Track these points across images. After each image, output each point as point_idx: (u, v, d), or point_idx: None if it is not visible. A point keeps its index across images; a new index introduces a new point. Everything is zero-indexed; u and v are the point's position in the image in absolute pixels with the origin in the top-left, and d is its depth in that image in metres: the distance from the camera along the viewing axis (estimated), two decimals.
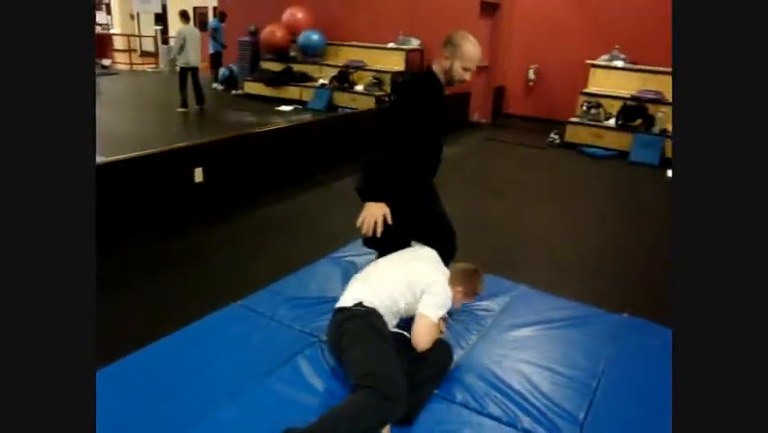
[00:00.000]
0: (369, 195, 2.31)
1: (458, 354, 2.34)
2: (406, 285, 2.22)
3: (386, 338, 2.04)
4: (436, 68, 2.43)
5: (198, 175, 4.21)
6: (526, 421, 1.97)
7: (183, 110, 8.57)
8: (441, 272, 2.33)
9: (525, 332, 2.58)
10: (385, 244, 2.45)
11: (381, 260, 2.45)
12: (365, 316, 2.10)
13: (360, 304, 2.13)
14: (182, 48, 8.28)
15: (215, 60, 11.41)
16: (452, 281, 2.32)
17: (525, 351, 2.42)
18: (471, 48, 2.35)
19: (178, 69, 8.66)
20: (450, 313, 2.44)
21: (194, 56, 8.42)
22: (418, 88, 2.47)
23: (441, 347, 2.18)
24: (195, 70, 8.53)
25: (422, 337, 2.10)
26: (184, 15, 8.63)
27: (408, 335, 2.15)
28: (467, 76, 2.39)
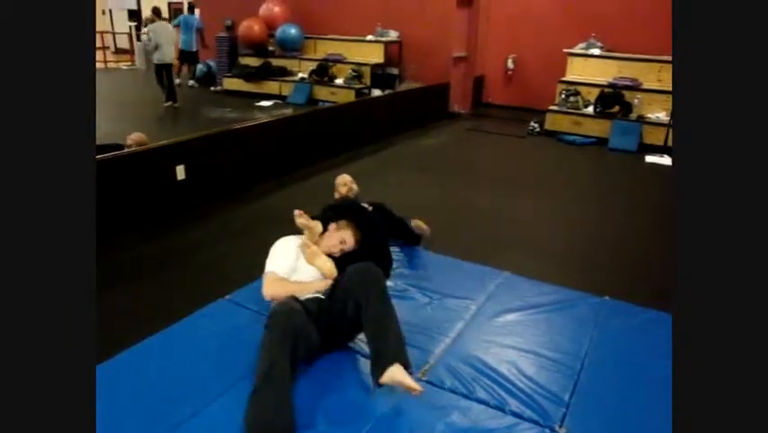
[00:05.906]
0: None
1: (445, 342, 2.38)
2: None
3: (281, 329, 2.01)
4: None
5: (180, 173, 4.18)
6: (514, 404, 2.02)
7: (169, 104, 8.45)
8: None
9: (510, 318, 2.63)
10: None
11: None
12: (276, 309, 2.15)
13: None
14: (157, 45, 8.18)
15: (188, 57, 10.92)
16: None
17: (511, 336, 2.47)
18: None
19: (154, 66, 8.53)
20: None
21: (167, 52, 8.30)
22: None
23: (348, 271, 2.23)
24: (168, 67, 8.40)
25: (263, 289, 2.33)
26: (155, 12, 8.50)
27: (323, 297, 2.32)
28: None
